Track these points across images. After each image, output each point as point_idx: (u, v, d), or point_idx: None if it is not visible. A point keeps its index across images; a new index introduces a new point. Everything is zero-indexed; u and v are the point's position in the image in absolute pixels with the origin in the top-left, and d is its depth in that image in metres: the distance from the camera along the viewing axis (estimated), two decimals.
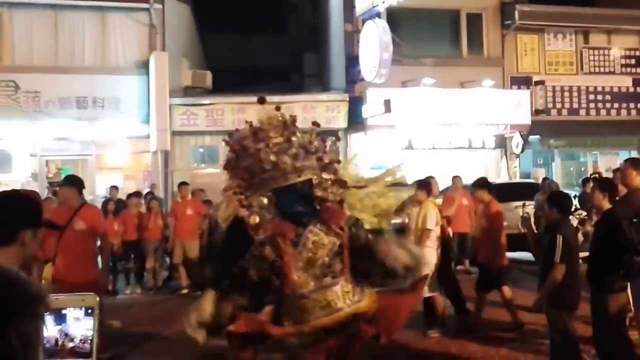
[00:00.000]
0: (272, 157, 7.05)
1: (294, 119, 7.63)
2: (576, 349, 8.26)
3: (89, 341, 2.85)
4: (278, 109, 7.80)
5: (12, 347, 1.52)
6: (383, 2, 22.11)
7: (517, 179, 24.06)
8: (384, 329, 7.08)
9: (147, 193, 19.60)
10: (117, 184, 20.77)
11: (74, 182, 9.88)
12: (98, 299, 2.95)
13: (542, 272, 8.70)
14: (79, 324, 2.87)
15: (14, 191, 3.77)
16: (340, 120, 23.52)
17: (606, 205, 8.07)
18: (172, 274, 17.62)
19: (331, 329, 6.70)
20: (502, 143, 25.34)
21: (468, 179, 18.63)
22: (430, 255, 10.90)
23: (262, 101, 7.00)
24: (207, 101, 23.37)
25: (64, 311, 2.82)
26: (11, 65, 22.43)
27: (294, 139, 7.37)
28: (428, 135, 24.05)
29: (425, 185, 11.88)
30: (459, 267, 17.83)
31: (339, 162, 7.83)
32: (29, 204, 3.45)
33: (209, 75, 24.49)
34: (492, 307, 12.10)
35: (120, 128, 22.41)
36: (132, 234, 16.79)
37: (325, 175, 7.41)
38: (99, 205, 19.16)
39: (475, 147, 25.00)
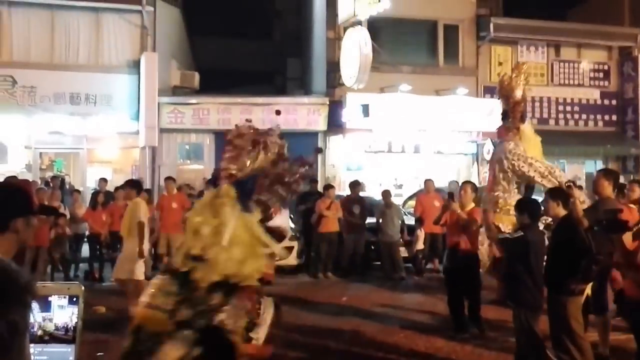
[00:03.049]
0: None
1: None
2: (541, 348, 8.42)
3: (72, 328, 2.95)
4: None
5: (2, 336, 1.61)
6: (365, 10, 22.31)
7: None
8: None
9: None
10: (107, 177, 20.86)
11: None
12: (83, 287, 3.08)
13: (507, 275, 8.88)
14: (63, 312, 2.97)
15: (3, 181, 3.90)
16: (320, 123, 23.66)
17: (561, 212, 8.23)
18: (157, 263, 17.73)
19: None
20: (474, 149, 25.53)
21: (440, 183, 18.86)
22: None
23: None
24: (194, 101, 23.47)
25: (49, 298, 2.92)
26: (9, 61, 22.49)
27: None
28: (404, 139, 24.20)
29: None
30: (429, 266, 18.05)
31: None
32: (18, 193, 3.59)
33: (196, 76, 24.58)
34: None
35: (111, 124, 22.51)
36: (120, 224, 16.91)
37: None
38: (89, 196, 19.31)
39: (448, 152, 25.19)
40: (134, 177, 22.68)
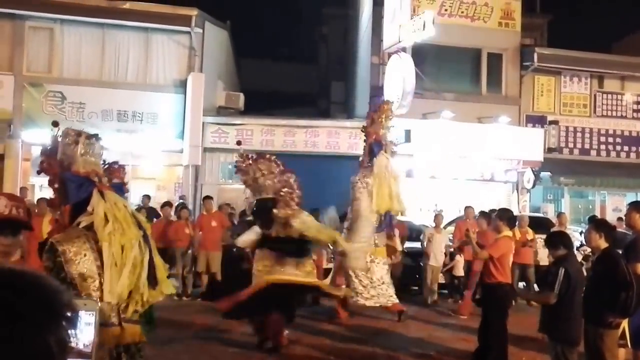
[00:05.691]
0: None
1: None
2: None
3: (90, 343, 2.87)
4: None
5: (53, 352, 1.54)
6: (410, 37, 22.22)
7: (527, 212, 23.85)
8: None
9: (180, 203, 19.69)
10: (150, 193, 20.99)
11: None
12: (100, 304, 2.96)
13: (543, 307, 8.60)
14: (87, 328, 2.89)
15: None
16: (362, 147, 23.50)
17: (603, 244, 7.99)
18: (196, 281, 17.67)
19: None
20: (514, 177, 25.20)
21: (480, 210, 18.58)
22: None
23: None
24: (238, 121, 23.50)
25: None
26: (59, 78, 22.77)
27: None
28: (444, 165, 23.97)
29: None
30: (465, 293, 17.76)
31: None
32: None
33: (241, 97, 24.68)
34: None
35: (156, 141, 22.65)
36: (161, 241, 16.85)
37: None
38: None
39: (488, 179, 24.89)
40: (176, 194, 22.84)
